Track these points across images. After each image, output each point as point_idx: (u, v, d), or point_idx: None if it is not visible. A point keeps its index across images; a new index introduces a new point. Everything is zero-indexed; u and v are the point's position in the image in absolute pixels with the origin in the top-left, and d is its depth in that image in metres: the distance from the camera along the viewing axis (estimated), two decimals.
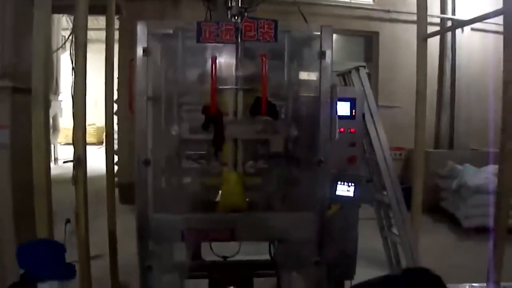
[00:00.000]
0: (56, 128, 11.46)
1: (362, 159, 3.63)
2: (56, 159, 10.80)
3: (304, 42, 2.54)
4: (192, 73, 2.56)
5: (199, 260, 3.40)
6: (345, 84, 3.93)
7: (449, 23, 8.01)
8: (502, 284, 2.67)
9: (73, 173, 2.98)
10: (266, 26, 2.19)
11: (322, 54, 2.28)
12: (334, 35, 2.38)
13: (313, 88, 2.43)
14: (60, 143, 12.75)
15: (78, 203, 2.98)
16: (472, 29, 7.94)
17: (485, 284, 2.74)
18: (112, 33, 4.03)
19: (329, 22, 2.39)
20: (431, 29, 3.70)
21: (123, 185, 6.63)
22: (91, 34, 3.07)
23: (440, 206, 7.11)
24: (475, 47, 8.11)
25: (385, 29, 8.22)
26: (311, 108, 2.45)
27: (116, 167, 4.97)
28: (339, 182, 2.79)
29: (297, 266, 2.77)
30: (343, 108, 3.15)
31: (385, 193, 3.84)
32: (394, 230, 4.07)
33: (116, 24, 4.82)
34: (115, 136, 5.73)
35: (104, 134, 4.11)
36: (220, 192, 2.60)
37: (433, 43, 7.25)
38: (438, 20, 7.95)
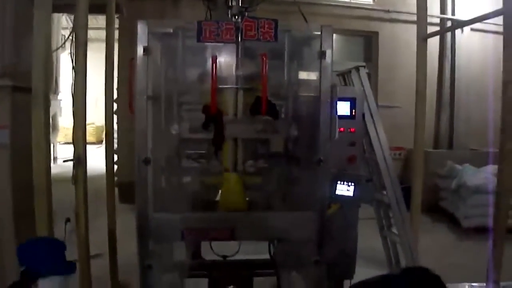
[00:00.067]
0: (55, 128, 11.45)
1: (362, 159, 3.63)
2: (55, 158, 10.79)
3: (304, 41, 2.54)
4: (192, 72, 2.56)
5: (199, 259, 3.41)
6: (345, 84, 3.93)
7: (448, 23, 8.01)
8: (502, 283, 2.68)
9: (73, 172, 2.98)
10: (266, 25, 2.20)
11: (322, 54, 2.29)
12: (334, 35, 2.38)
13: (313, 87, 2.43)
14: (59, 142, 12.74)
15: (78, 202, 2.98)
16: (472, 29, 7.94)
17: (484, 284, 2.74)
18: (112, 32, 4.03)
19: (328, 22, 2.40)
20: (430, 29, 3.70)
21: (122, 184, 6.63)
22: (90, 34, 3.07)
23: (440, 206, 7.12)
24: (475, 47, 8.11)
25: (385, 29, 8.23)
26: (311, 107, 2.45)
27: (115, 166, 4.97)
28: (339, 182, 2.79)
29: (297, 266, 2.77)
30: (343, 108, 3.15)
31: (384, 192, 3.84)
32: (394, 230, 4.08)
33: (116, 23, 4.81)
34: (115, 135, 5.72)
35: (104, 133, 4.11)
36: (220, 191, 2.60)
37: (433, 43, 7.24)
38: (437, 20, 7.95)
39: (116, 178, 4.57)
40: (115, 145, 5.88)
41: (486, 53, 7.96)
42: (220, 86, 2.32)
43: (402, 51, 7.73)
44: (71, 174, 3.03)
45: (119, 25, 6.58)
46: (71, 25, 11.07)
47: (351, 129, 3.21)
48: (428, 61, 3.55)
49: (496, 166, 2.94)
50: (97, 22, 10.82)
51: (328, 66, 2.31)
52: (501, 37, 2.84)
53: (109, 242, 3.74)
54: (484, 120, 7.26)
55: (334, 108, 2.34)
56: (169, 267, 2.76)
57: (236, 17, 2.57)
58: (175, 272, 2.90)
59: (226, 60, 2.39)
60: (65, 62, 11.85)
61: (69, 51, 3.38)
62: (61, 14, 9.37)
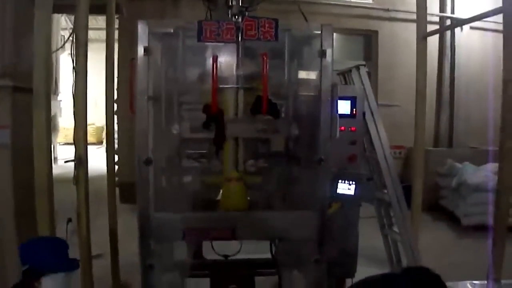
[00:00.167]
0: (55, 128, 11.45)
1: (362, 158, 3.64)
2: (55, 159, 10.79)
3: (305, 41, 2.54)
4: (192, 72, 2.56)
5: (200, 259, 3.41)
6: (345, 83, 3.93)
7: (448, 22, 8.02)
8: (503, 281, 2.68)
9: (74, 172, 2.98)
10: (267, 25, 2.20)
11: (322, 53, 2.29)
12: (334, 34, 2.39)
13: (314, 87, 2.44)
14: (59, 143, 12.75)
15: (80, 202, 2.99)
16: (471, 27, 7.94)
17: (485, 282, 2.75)
18: (112, 33, 4.03)
19: (328, 21, 2.40)
20: (430, 27, 3.70)
21: (123, 185, 6.63)
22: (90, 34, 3.06)
23: (440, 204, 7.13)
24: (474, 45, 8.11)
25: (384, 28, 8.23)
26: (312, 107, 2.46)
27: (116, 167, 4.97)
28: (339, 181, 2.80)
29: (298, 265, 2.78)
30: (344, 107, 3.15)
31: (385, 191, 3.85)
32: (395, 228, 4.08)
33: (116, 24, 4.82)
34: (115, 135, 5.73)
35: (104, 134, 4.12)
36: (221, 191, 2.61)
37: (432, 42, 7.24)
38: (437, 19, 7.95)
39: (116, 178, 4.58)
40: (116, 146, 5.89)
41: (485, 51, 7.97)
42: (221, 86, 2.32)
43: (402, 50, 7.74)
44: (71, 174, 3.04)
45: (119, 25, 6.58)
46: (70, 25, 11.07)
47: (352, 128, 3.22)
48: (427, 59, 3.56)
49: (496, 164, 2.95)
50: (96, 23, 10.82)
51: (328, 65, 2.31)
52: (500, 35, 2.85)
53: (111, 242, 3.75)
54: (484, 119, 7.27)
55: (334, 107, 2.34)
56: (171, 266, 2.76)
57: (237, 16, 2.57)
58: (176, 272, 2.90)
59: (226, 59, 2.39)
60: (64, 63, 11.86)
61: (69, 52, 3.38)
62: (60, 14, 9.36)
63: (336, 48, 2.36)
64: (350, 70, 3.86)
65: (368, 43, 8.49)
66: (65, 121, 12.98)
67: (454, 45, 7.98)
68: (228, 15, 2.61)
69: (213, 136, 2.32)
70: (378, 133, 3.77)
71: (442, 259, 4.60)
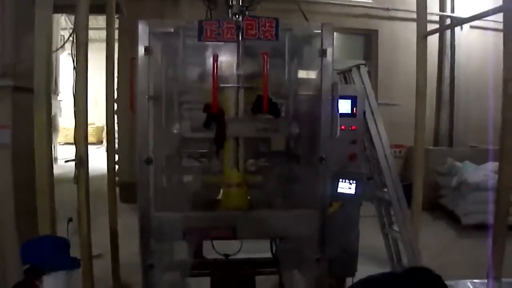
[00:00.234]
0: (55, 128, 11.45)
1: (363, 157, 3.64)
2: (55, 159, 10.79)
3: (305, 40, 2.54)
4: (193, 71, 2.56)
5: (200, 259, 3.41)
6: (346, 82, 3.93)
7: (448, 21, 8.01)
8: (503, 280, 2.69)
9: (75, 172, 2.98)
10: (267, 24, 2.20)
11: (323, 52, 2.30)
12: (334, 34, 2.39)
13: (314, 86, 2.44)
14: (59, 143, 12.74)
15: (80, 202, 2.99)
16: (471, 26, 7.93)
17: (485, 281, 2.75)
18: (113, 32, 4.03)
19: (328, 20, 2.40)
20: (430, 26, 3.70)
21: (123, 184, 6.64)
22: (90, 34, 3.05)
23: (439, 203, 7.13)
24: (474, 44, 8.11)
25: (384, 27, 8.22)
26: (312, 106, 2.46)
27: (116, 166, 4.98)
28: (340, 180, 2.80)
29: (299, 264, 2.78)
30: (344, 106, 3.16)
31: (385, 190, 3.85)
32: (395, 227, 4.08)
33: (116, 24, 4.81)
34: (115, 135, 5.73)
35: (104, 133, 4.12)
36: (221, 190, 2.61)
37: (432, 41, 7.24)
38: (437, 18, 7.95)
39: (116, 178, 4.58)
40: (116, 145, 5.89)
41: (485, 50, 7.96)
42: (221, 85, 2.32)
43: (402, 49, 7.73)
44: (72, 174, 3.03)
45: (119, 25, 6.58)
46: (70, 25, 11.06)
47: (352, 127, 3.23)
48: (427, 59, 3.56)
49: (496, 163, 2.95)
50: (96, 23, 10.81)
51: (329, 64, 2.32)
52: (500, 34, 2.85)
53: (111, 241, 3.75)
54: (484, 118, 7.27)
55: (335, 106, 2.34)
56: (171, 266, 2.77)
57: (237, 16, 2.57)
58: (177, 271, 2.91)
59: (227, 59, 2.39)
60: (64, 63, 11.86)
61: (69, 52, 3.38)
62: (60, 14, 9.36)
63: (336, 48, 2.36)
64: (350, 70, 3.86)
65: (368, 43, 8.49)
66: (65, 121, 12.97)
67: (454, 44, 7.98)
68: (228, 15, 2.61)
69: (214, 136, 2.32)
70: (378, 132, 3.78)
71: (442, 258, 4.61)
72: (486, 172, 6.20)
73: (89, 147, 3.22)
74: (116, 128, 5.82)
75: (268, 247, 3.35)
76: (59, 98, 11.58)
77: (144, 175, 2.28)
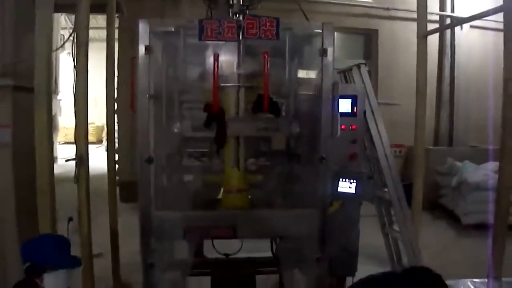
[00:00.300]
0: (55, 127, 11.45)
1: (363, 156, 3.64)
2: (55, 158, 10.79)
3: (306, 39, 2.54)
4: (193, 71, 2.56)
5: (201, 258, 3.41)
6: (346, 82, 3.93)
7: (448, 21, 8.02)
8: (503, 279, 2.69)
9: (75, 171, 2.98)
10: (268, 23, 2.20)
11: (323, 52, 2.30)
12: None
13: (315, 85, 2.44)
14: (59, 142, 12.74)
15: (81, 201, 2.99)
16: (471, 26, 7.94)
17: (485, 280, 2.75)
18: (113, 32, 4.04)
19: (328, 20, 2.40)
20: (430, 26, 3.71)
21: (123, 183, 6.63)
22: (89, 33, 3.05)
23: (439, 203, 7.13)
24: (474, 44, 8.12)
25: (384, 27, 8.23)
26: (313, 105, 2.46)
27: (116, 166, 4.97)
28: (340, 179, 2.80)
29: (299, 263, 2.78)
30: (345, 105, 3.16)
31: (386, 190, 3.85)
32: (395, 227, 4.08)
33: (116, 23, 4.81)
34: (116, 134, 5.73)
35: (104, 133, 4.13)
36: (222, 189, 2.61)
37: (432, 41, 7.25)
38: (437, 18, 7.95)
39: (117, 177, 4.58)
40: (116, 145, 5.89)
41: (485, 50, 7.97)
42: (222, 85, 2.32)
43: (402, 48, 7.74)
44: (72, 174, 3.03)
45: (119, 24, 6.58)
46: (70, 25, 11.05)
47: (353, 127, 3.23)
48: (427, 58, 3.56)
49: (496, 163, 2.95)
50: (96, 22, 10.81)
51: (329, 64, 2.31)
52: (500, 34, 2.85)
53: (111, 241, 3.75)
54: (484, 117, 7.28)
55: (335, 105, 2.34)
56: (172, 265, 2.77)
57: (237, 15, 2.57)
58: (177, 271, 2.91)
59: (227, 58, 2.39)
60: (64, 62, 11.86)
61: (68, 51, 3.38)
62: (59, 14, 9.35)
63: (336, 47, 2.35)
64: (350, 69, 3.86)
65: (368, 42, 8.49)
66: (65, 121, 12.97)
67: (454, 44, 7.99)
68: (229, 14, 2.61)
69: (214, 135, 2.32)
70: (378, 131, 3.78)
71: (442, 258, 4.62)
72: (486, 172, 6.20)
73: (89, 146, 3.23)
74: (116, 127, 5.82)
75: (269, 246, 3.35)
76: (59, 97, 11.59)
77: (145, 174, 2.28)
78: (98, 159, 6.00)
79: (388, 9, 8.04)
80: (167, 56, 2.49)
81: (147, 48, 2.21)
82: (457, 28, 7.91)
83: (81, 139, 2.99)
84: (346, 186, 2.79)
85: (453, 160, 7.07)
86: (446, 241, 5.85)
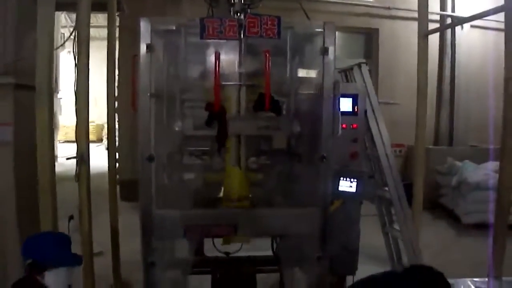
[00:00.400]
0: (55, 126, 11.44)
1: (364, 155, 3.65)
2: (55, 157, 10.77)
3: (307, 38, 2.54)
4: (195, 69, 2.56)
5: (201, 256, 3.41)
6: (347, 81, 3.93)
7: (449, 20, 8.01)
8: (504, 279, 2.69)
9: (76, 169, 2.98)
10: (269, 22, 2.20)
11: (325, 50, 2.30)
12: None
13: (316, 84, 2.45)
14: (59, 141, 12.74)
15: (82, 199, 2.99)
16: (472, 26, 7.94)
17: (485, 279, 2.75)
18: (114, 30, 4.03)
19: (329, 19, 2.41)
20: (430, 26, 3.70)
21: (123, 182, 6.63)
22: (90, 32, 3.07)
23: (440, 203, 7.14)
24: (475, 44, 8.12)
25: (385, 26, 8.23)
26: (314, 104, 2.46)
27: (116, 164, 4.97)
28: (341, 178, 2.80)
29: (300, 262, 2.79)
30: (346, 104, 3.16)
31: (386, 189, 3.85)
32: (396, 226, 4.09)
33: (116, 22, 4.81)
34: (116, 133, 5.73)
35: (104, 131, 4.13)
36: (223, 188, 2.62)
37: (433, 40, 7.23)
38: (437, 17, 7.95)
39: (117, 176, 4.58)
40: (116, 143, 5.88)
41: (486, 50, 7.98)
42: (223, 83, 2.33)
43: (402, 48, 7.75)
44: (72, 172, 3.03)
45: (119, 23, 6.57)
46: (70, 23, 11.06)
47: (353, 126, 3.23)
48: (428, 58, 3.56)
49: (496, 163, 2.95)
50: (96, 21, 10.80)
51: (330, 63, 2.32)
52: (501, 34, 2.85)
53: (112, 239, 3.75)
54: (484, 117, 7.28)
55: (336, 104, 2.34)
56: (172, 264, 2.77)
57: (239, 14, 2.57)
58: (178, 269, 2.91)
59: (228, 57, 2.39)
60: (64, 61, 11.86)
61: (69, 50, 3.38)
62: (60, 12, 9.34)
63: (336, 46, 2.35)
64: (351, 68, 3.86)
65: (368, 41, 8.50)
66: (65, 119, 12.98)
67: (455, 44, 7.98)
68: (230, 13, 2.61)
69: (216, 134, 2.32)
70: (379, 130, 3.78)
71: (443, 257, 4.62)
72: (486, 172, 6.21)
73: (89, 145, 3.22)
74: (116, 126, 5.82)
75: (269, 245, 3.35)
76: (59, 96, 11.59)
77: (146, 172, 2.28)
78: (98, 158, 6.00)
79: (388, 8, 8.04)
80: (168, 55, 2.49)
81: (148, 47, 2.22)
82: (457, 28, 7.90)
83: (82, 137, 2.99)
84: (346, 185, 2.79)
85: (453, 159, 7.07)
86: (446, 240, 5.86)
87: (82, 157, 2.96)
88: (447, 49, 8.02)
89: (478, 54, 8.09)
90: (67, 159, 3.42)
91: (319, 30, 2.32)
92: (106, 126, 4.41)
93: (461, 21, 7.58)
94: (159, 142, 2.33)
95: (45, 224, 2.71)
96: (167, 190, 2.55)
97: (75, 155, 2.99)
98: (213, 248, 3.24)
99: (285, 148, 2.89)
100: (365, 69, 3.81)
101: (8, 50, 3.18)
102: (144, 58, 2.23)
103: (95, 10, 3.35)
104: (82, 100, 2.99)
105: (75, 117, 3.03)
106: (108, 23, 3.98)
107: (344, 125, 2.96)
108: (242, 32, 2.23)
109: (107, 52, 3.91)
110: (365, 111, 3.49)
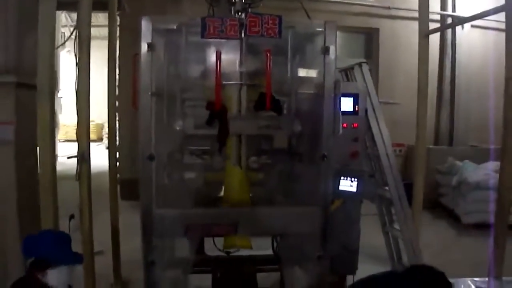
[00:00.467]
0: (56, 125, 11.44)
1: (364, 155, 3.65)
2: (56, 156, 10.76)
3: (308, 38, 2.54)
4: (195, 68, 2.57)
5: (202, 256, 3.41)
6: (348, 80, 3.94)
7: (449, 20, 8.01)
8: (504, 278, 2.70)
9: (77, 169, 2.98)
10: (270, 21, 2.20)
11: (326, 50, 2.30)
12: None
13: (317, 83, 2.45)
14: (59, 140, 12.73)
15: (82, 198, 2.99)
16: (472, 26, 7.93)
17: (486, 279, 2.76)
18: (115, 30, 4.03)
19: (329, 18, 2.41)
20: (431, 25, 3.70)
21: (123, 181, 6.63)
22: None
23: (440, 202, 7.14)
24: (475, 44, 8.12)
25: (385, 26, 8.23)
26: (315, 103, 2.47)
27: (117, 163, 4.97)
28: (342, 177, 2.80)
29: (300, 261, 2.79)
30: (346, 104, 3.16)
31: (386, 188, 3.85)
32: (396, 226, 4.09)
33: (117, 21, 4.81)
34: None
35: (103, 130, 4.13)
36: (223, 187, 2.62)
37: (433, 40, 7.23)
38: (438, 17, 7.94)
39: (117, 175, 4.58)
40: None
41: (486, 50, 7.98)
42: (224, 83, 2.33)
43: (402, 48, 7.75)
44: (72, 171, 3.03)
45: (120, 22, 6.57)
46: (70, 23, 11.05)
47: (354, 125, 3.24)
48: (428, 57, 3.56)
49: (496, 163, 2.95)
50: (96, 20, 10.79)
51: (331, 62, 2.32)
52: (501, 34, 2.85)
53: (112, 238, 3.75)
54: (484, 117, 7.28)
55: (337, 104, 2.35)
56: (173, 263, 2.77)
57: (240, 13, 2.57)
58: (178, 268, 2.91)
59: (229, 56, 2.39)
60: (64, 60, 11.86)
61: (69, 49, 3.38)
62: (60, 11, 9.34)
63: (337, 46, 2.36)
64: (352, 68, 3.87)
65: (369, 41, 8.50)
66: (65, 118, 12.98)
67: (455, 43, 7.97)
68: (231, 12, 2.61)
69: (216, 133, 2.32)
70: (380, 130, 3.78)
71: (443, 257, 4.61)
72: (487, 171, 6.20)
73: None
74: (117, 125, 5.81)
75: (270, 244, 3.35)
76: (59, 95, 11.59)
77: (146, 171, 2.28)
78: (98, 157, 5.99)
79: (389, 8, 8.05)
80: (169, 54, 2.49)
81: (149, 46, 2.22)
82: (458, 28, 7.89)
83: (83, 136, 3.00)
84: (347, 185, 2.79)
85: (453, 159, 7.07)
86: (446, 240, 5.85)
87: (83, 156, 2.96)
88: (448, 49, 8.01)
89: (478, 54, 8.08)
90: (68, 158, 3.41)
91: (320, 29, 2.33)
92: (106, 125, 4.40)
93: (461, 21, 7.57)
94: (159, 141, 2.34)
95: (46, 223, 2.71)
96: (168, 189, 2.56)
97: (75, 154, 2.99)
98: (213, 247, 3.25)
99: (286, 147, 2.89)
100: (365, 68, 3.82)
101: (9, 49, 3.17)
102: (145, 57, 2.23)
103: (96, 9, 3.35)
104: (83, 99, 2.99)
105: (76, 116, 3.03)
106: (109, 22, 3.98)
107: (344, 125, 2.96)
108: (243, 31, 2.23)
109: (108, 51, 3.91)
110: (366, 111, 3.49)
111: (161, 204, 2.35)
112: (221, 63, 2.24)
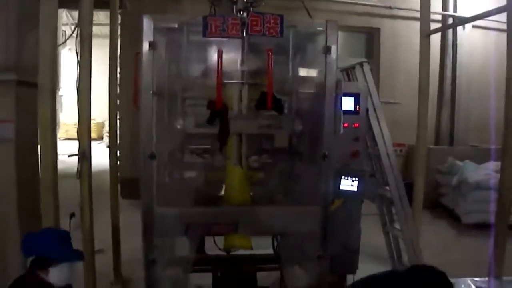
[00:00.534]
0: (56, 123, 11.45)
1: (365, 154, 3.65)
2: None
3: (309, 37, 2.54)
4: (197, 67, 2.56)
5: (202, 254, 3.41)
6: (349, 80, 3.93)
7: (450, 20, 8.00)
8: (504, 278, 2.70)
9: (77, 167, 2.98)
10: (272, 21, 2.20)
11: (327, 49, 2.30)
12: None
13: (318, 83, 2.44)
14: (59, 138, 12.74)
15: (83, 196, 2.99)
16: (473, 26, 7.93)
17: (486, 279, 2.76)
18: (116, 28, 4.03)
19: (330, 18, 2.41)
20: (432, 26, 3.71)
21: (124, 180, 6.63)
22: None
23: (440, 202, 7.14)
24: (476, 44, 8.11)
25: (386, 26, 8.23)
26: (316, 103, 2.47)
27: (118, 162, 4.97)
28: (343, 177, 2.81)
29: (300, 260, 2.79)
30: (347, 103, 3.16)
31: (387, 188, 3.85)
32: (396, 225, 4.09)
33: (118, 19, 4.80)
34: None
35: (104, 129, 4.13)
36: (224, 186, 2.62)
37: (434, 40, 7.23)
38: (439, 17, 7.94)
39: (118, 174, 4.58)
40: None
41: (487, 50, 7.97)
42: (226, 82, 2.32)
43: (403, 47, 7.75)
44: (73, 170, 3.03)
45: (121, 20, 6.56)
46: (71, 21, 11.05)
47: (355, 124, 3.24)
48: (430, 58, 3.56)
49: (496, 163, 2.96)
50: (97, 18, 10.79)
51: (333, 61, 2.32)
52: (502, 34, 2.85)
53: (113, 237, 3.76)
54: (485, 117, 7.28)
55: (338, 103, 2.35)
56: (173, 262, 2.77)
57: (241, 12, 2.57)
58: (179, 267, 2.91)
59: (231, 55, 2.39)
60: (65, 58, 11.86)
61: (70, 47, 3.38)
62: (61, 9, 9.34)
63: (338, 45, 2.36)
64: (353, 67, 3.86)
65: (370, 41, 8.49)
66: (66, 117, 12.99)
67: (456, 44, 7.97)
68: (233, 11, 2.61)
69: (217, 132, 2.32)
70: (381, 130, 3.78)
71: (443, 257, 4.61)
72: (487, 171, 6.20)
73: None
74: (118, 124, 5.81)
75: (270, 243, 3.35)
76: (59, 93, 11.59)
77: (147, 170, 2.28)
78: (98, 156, 5.99)
79: (390, 8, 8.04)
80: (171, 53, 2.48)
81: (151, 44, 2.22)
82: (459, 28, 7.89)
83: (84, 134, 3.00)
84: (348, 184, 2.79)
85: (453, 159, 7.08)
86: (447, 240, 5.86)
87: (84, 154, 2.96)
88: (449, 49, 8.00)
89: (479, 54, 8.08)
90: (69, 156, 3.42)
91: (322, 29, 2.32)
92: (106, 124, 4.40)
93: (463, 21, 7.57)
94: (160, 140, 2.34)
95: (47, 222, 2.71)
96: (168, 188, 2.56)
97: (76, 152, 2.99)
98: (214, 246, 3.25)
99: (286, 147, 2.89)
100: (367, 68, 3.81)
101: (10, 47, 3.17)
102: (146, 55, 2.23)
103: (98, 7, 3.34)
104: (84, 97, 2.99)
105: (77, 114, 3.03)
106: (110, 21, 3.98)
107: (345, 124, 2.96)
108: (244, 30, 2.23)
109: (109, 50, 3.91)
110: (367, 110, 3.49)
111: (161, 203, 2.35)
112: (223, 62, 2.24)
